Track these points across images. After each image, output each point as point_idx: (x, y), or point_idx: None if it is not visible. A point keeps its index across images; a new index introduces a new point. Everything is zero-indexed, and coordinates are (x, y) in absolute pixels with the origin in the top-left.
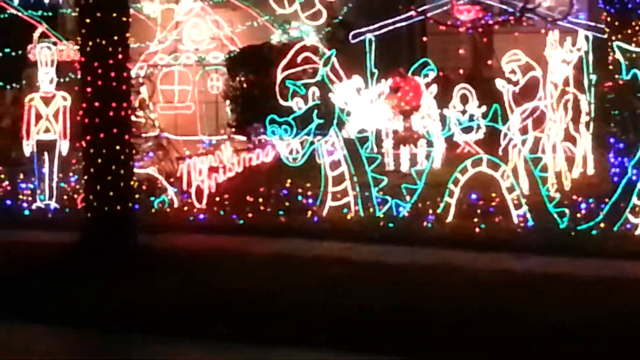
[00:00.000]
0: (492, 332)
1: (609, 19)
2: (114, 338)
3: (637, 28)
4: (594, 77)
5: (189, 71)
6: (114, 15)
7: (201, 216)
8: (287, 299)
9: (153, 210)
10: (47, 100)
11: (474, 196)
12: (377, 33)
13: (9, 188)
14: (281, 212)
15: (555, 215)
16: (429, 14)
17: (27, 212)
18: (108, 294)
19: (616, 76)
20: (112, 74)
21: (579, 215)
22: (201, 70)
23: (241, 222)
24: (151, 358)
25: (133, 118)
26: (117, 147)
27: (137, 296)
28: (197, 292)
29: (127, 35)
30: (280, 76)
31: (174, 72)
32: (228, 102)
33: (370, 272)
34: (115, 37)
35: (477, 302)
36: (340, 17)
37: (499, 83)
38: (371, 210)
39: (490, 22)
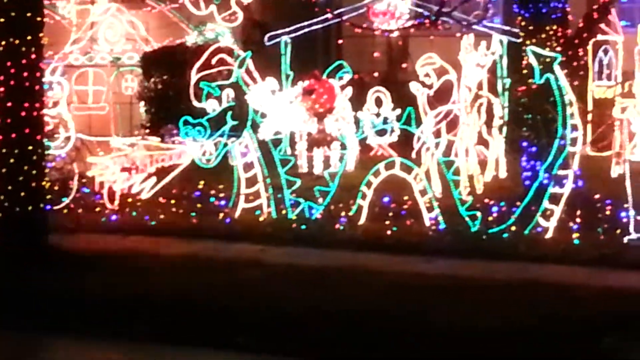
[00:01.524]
0: (404, 334)
1: (523, 23)
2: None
3: (550, 32)
4: (508, 81)
5: (103, 72)
6: (28, 15)
7: (113, 217)
8: (199, 301)
9: (65, 211)
10: None
11: (386, 199)
12: (293, 35)
13: None
14: (193, 214)
15: (467, 219)
16: (345, 17)
17: None
18: (15, 294)
19: (530, 80)
20: (25, 74)
21: (490, 218)
22: (116, 71)
23: (153, 223)
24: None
25: (46, 118)
26: (29, 147)
27: (45, 296)
28: (107, 293)
29: (41, 35)
30: (194, 77)
31: (88, 72)
32: (142, 103)
33: (283, 274)
34: (29, 37)
35: (388, 304)
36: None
37: (414, 86)
38: (284, 212)
39: (406, 25)
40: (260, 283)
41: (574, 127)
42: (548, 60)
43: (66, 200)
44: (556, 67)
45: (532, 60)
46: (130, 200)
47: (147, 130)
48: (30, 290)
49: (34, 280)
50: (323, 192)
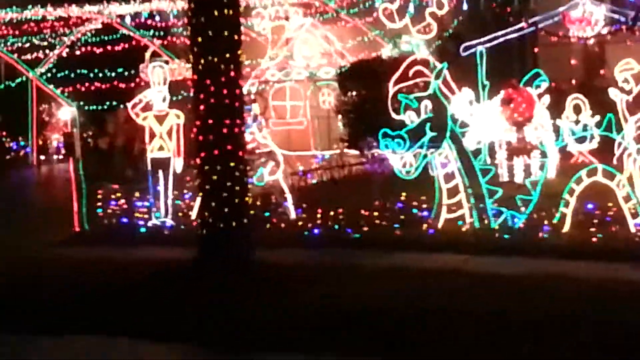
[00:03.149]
0: (613, 344)
1: None
2: (231, 356)
3: None
4: None
5: (300, 87)
6: (226, 33)
7: (316, 231)
8: (406, 312)
9: (268, 226)
10: (160, 119)
11: (590, 206)
12: (488, 45)
13: (125, 206)
14: (396, 226)
15: None
16: (539, 25)
17: (143, 230)
18: (225, 310)
19: None
20: (225, 91)
21: None
22: (312, 86)
23: (356, 235)
24: None
25: (246, 135)
26: (231, 164)
27: (254, 312)
28: (315, 307)
29: (239, 52)
30: (392, 90)
31: (286, 88)
32: (340, 116)
33: (487, 283)
34: (227, 55)
35: (596, 313)
36: (450, 31)
37: (612, 92)
38: (486, 222)
39: (602, 32)
40: (464, 293)
41: None
42: None
43: (268, 215)
44: None
45: None
46: (332, 213)
47: (346, 144)
48: (238, 307)
49: (242, 295)
50: (525, 201)
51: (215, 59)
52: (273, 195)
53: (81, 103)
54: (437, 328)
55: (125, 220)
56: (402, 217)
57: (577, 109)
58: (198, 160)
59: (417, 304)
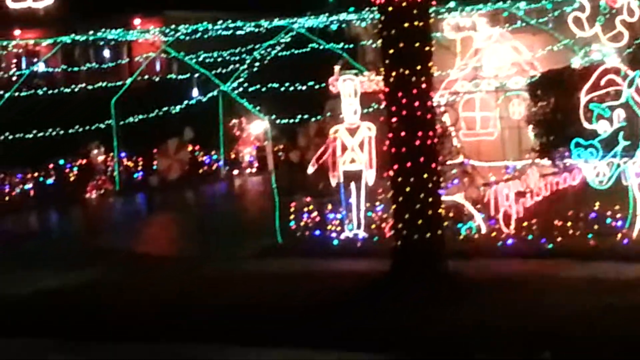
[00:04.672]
0: None
1: None
2: None
3: None
4: None
5: (490, 97)
6: (417, 45)
7: (509, 241)
8: (608, 323)
9: (460, 237)
10: (352, 131)
11: None
12: None
13: (317, 219)
14: (590, 235)
15: None
16: None
17: (336, 242)
18: (425, 321)
19: None
20: (417, 103)
21: None
22: (502, 96)
23: (550, 246)
24: None
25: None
26: (424, 175)
27: (453, 322)
28: (513, 316)
29: (430, 64)
30: (583, 99)
31: (475, 98)
32: (531, 126)
33: None
34: (418, 67)
35: None
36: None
37: None
38: None
39: None
40: None
41: None
42: None
43: (461, 226)
44: None
45: None
46: (525, 224)
47: (538, 154)
48: (437, 317)
49: (440, 306)
50: None
51: (407, 71)
52: (464, 207)
53: (273, 116)
54: None
55: (318, 232)
56: (595, 226)
57: None
58: (391, 173)
59: (618, 314)
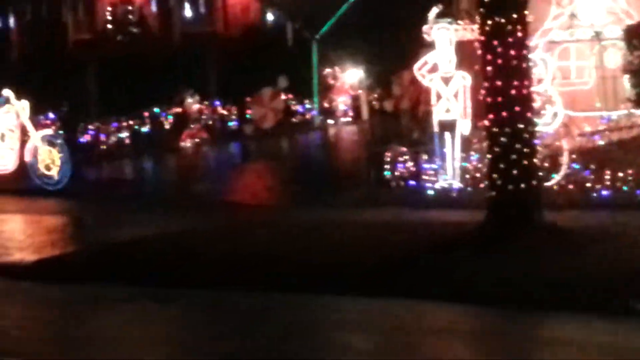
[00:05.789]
0: None
1: None
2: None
3: None
4: None
5: (585, 46)
6: None
7: (604, 192)
8: None
9: (555, 187)
10: (446, 81)
11: None
12: None
13: (412, 169)
14: None
15: None
16: None
17: (430, 192)
18: (519, 271)
19: None
20: (513, 52)
21: None
22: (598, 45)
23: None
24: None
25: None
26: (520, 125)
27: (547, 273)
28: (607, 267)
29: (526, 12)
30: None
31: (570, 48)
32: (626, 76)
33: None
34: (515, 15)
35: None
36: None
37: None
38: None
39: None
40: None
41: None
42: None
43: (556, 177)
44: None
45: None
46: (621, 174)
47: (634, 104)
48: (531, 267)
49: (534, 256)
50: None
51: (503, 20)
52: (560, 156)
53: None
54: None
55: (413, 182)
56: None
57: None
58: (486, 123)
59: None
